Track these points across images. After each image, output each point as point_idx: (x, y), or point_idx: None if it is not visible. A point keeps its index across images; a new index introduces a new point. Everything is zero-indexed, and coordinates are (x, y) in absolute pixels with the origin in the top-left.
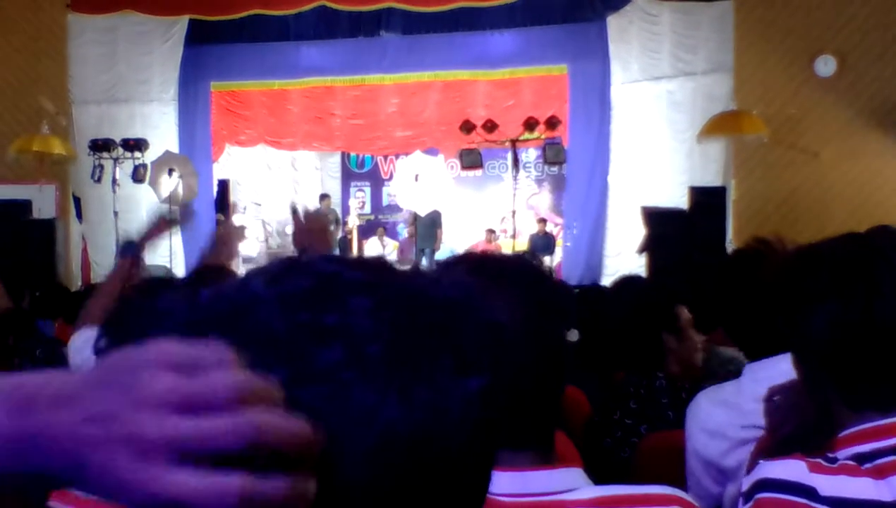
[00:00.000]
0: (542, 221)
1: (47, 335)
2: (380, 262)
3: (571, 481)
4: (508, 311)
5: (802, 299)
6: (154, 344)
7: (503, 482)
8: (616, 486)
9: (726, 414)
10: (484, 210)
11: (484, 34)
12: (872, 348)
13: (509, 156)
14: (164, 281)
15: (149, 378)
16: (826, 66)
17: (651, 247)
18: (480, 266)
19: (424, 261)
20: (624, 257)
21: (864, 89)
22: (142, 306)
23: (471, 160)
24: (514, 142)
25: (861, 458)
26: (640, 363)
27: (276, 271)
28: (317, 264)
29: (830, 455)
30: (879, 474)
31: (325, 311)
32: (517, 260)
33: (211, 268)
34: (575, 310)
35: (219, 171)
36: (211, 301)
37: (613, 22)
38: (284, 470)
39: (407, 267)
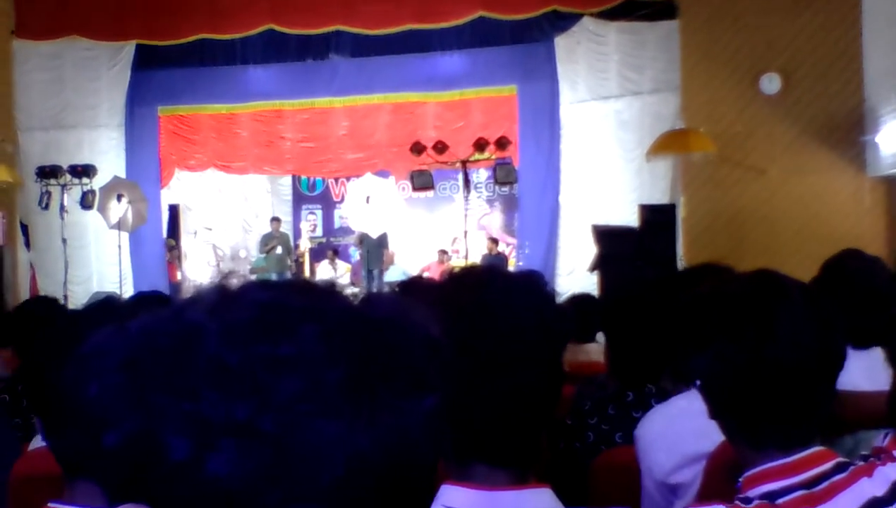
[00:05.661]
0: (494, 241)
1: None
2: (316, 285)
3: (540, 502)
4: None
5: (699, 339)
6: None
7: (473, 501)
8: None
9: (677, 428)
10: (436, 231)
11: (433, 56)
12: (766, 389)
13: (460, 176)
14: (105, 306)
15: None
16: (771, 83)
17: (602, 265)
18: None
19: (372, 282)
20: (576, 276)
21: (809, 106)
22: (75, 351)
23: (422, 181)
24: (464, 162)
25: (772, 496)
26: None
27: (213, 301)
28: (254, 293)
29: (742, 496)
30: None
31: (277, 341)
32: (519, 278)
33: (150, 296)
34: (568, 332)
35: (168, 196)
36: (146, 336)
37: (561, 43)
38: None
39: (358, 289)
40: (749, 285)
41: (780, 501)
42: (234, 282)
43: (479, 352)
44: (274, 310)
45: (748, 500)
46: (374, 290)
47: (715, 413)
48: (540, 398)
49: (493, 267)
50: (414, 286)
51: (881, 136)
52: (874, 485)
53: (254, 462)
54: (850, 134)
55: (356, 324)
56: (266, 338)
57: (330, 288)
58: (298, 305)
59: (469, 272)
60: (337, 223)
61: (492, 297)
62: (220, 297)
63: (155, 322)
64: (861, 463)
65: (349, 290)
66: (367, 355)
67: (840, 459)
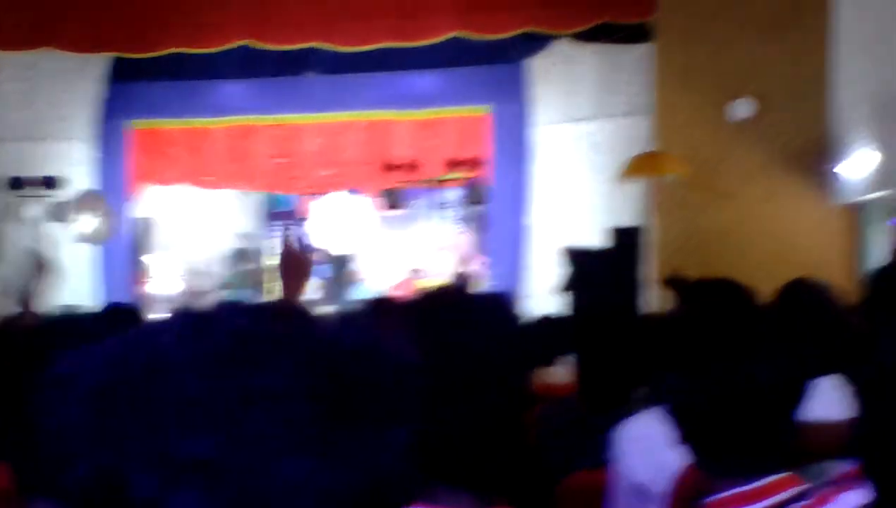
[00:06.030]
0: (463, 261)
1: None
2: (291, 311)
3: None
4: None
5: (666, 363)
6: None
7: None
8: None
9: (656, 434)
10: (406, 249)
11: (407, 74)
12: (730, 416)
13: (432, 195)
14: (68, 321)
15: None
16: (743, 109)
17: (573, 286)
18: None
19: (340, 299)
20: (545, 296)
21: (781, 132)
22: (44, 373)
23: (393, 200)
24: (436, 182)
25: None
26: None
27: (186, 329)
28: (226, 320)
29: None
30: None
31: (248, 373)
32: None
33: (121, 308)
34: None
35: (138, 210)
36: (118, 363)
37: (535, 64)
38: None
39: (327, 306)
40: (714, 311)
41: None
42: (207, 303)
43: (445, 375)
44: (245, 340)
45: None
46: (346, 310)
47: (681, 437)
48: (505, 420)
49: (460, 289)
50: (383, 305)
51: (847, 165)
52: None
53: (221, 500)
54: (818, 161)
55: (329, 356)
56: (236, 371)
57: (304, 313)
58: (271, 335)
59: (436, 294)
60: (304, 240)
61: (458, 320)
62: (192, 323)
63: (124, 348)
64: (823, 490)
65: (320, 308)
66: (339, 389)
67: (803, 487)
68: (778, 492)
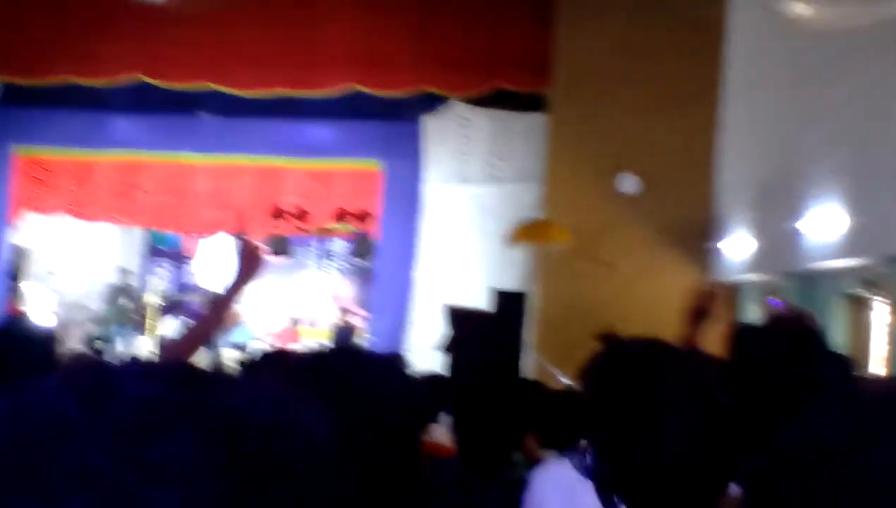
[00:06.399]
0: (346, 312)
1: None
2: (201, 375)
3: None
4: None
5: (592, 433)
6: None
7: None
8: None
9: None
10: (289, 297)
11: (301, 123)
12: (652, 489)
13: (318, 245)
14: None
15: None
16: (629, 183)
17: (453, 346)
18: (303, 369)
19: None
20: (426, 354)
21: (663, 208)
22: None
23: (279, 247)
24: (323, 232)
25: None
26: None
27: (88, 390)
28: (132, 384)
29: None
30: None
31: (153, 445)
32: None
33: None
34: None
35: (17, 236)
36: (12, 419)
37: (429, 123)
38: None
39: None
40: (637, 380)
41: None
42: (78, 337)
43: (341, 439)
44: (151, 408)
45: None
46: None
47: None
48: (399, 481)
49: (356, 349)
50: (274, 361)
51: (727, 243)
52: None
53: None
54: (700, 238)
55: (238, 428)
56: (139, 441)
57: (215, 378)
58: (178, 403)
59: (333, 354)
60: (188, 279)
61: (354, 383)
62: (95, 383)
63: (22, 403)
64: None
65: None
66: (246, 466)
67: None
68: None
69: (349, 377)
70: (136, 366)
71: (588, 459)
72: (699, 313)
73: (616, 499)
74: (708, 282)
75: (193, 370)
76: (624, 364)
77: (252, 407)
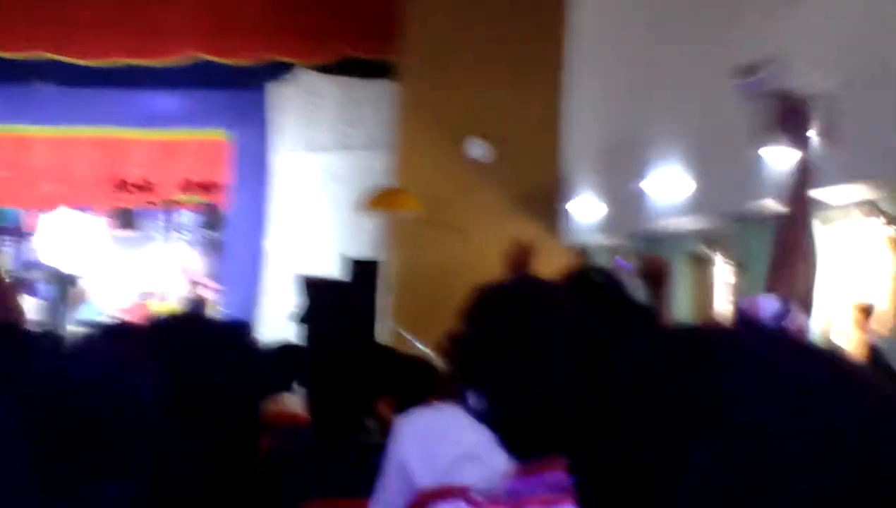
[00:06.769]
0: (196, 285)
1: None
2: (20, 337)
3: None
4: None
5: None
6: None
7: None
8: None
9: (439, 429)
10: (137, 271)
11: (144, 93)
12: (539, 419)
13: (166, 217)
14: None
15: None
16: (479, 149)
17: (308, 315)
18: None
19: (60, 320)
20: (279, 324)
21: (512, 173)
22: None
23: (123, 220)
24: (170, 203)
25: None
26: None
27: None
28: None
29: None
30: None
31: None
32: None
33: None
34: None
35: None
36: None
37: (274, 91)
38: None
39: (51, 327)
40: (517, 316)
41: None
42: None
43: (180, 409)
44: None
45: None
46: (76, 334)
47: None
48: (239, 453)
49: (198, 316)
50: (116, 331)
51: (576, 206)
52: None
53: None
54: (548, 202)
55: (55, 392)
56: None
57: (28, 338)
58: None
59: (174, 320)
60: (29, 256)
61: (196, 348)
62: None
63: None
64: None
65: (39, 329)
66: (61, 429)
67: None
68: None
69: (186, 342)
70: None
71: (474, 401)
72: (517, 266)
73: (506, 438)
74: (524, 239)
75: (11, 333)
76: (503, 302)
77: (72, 369)
